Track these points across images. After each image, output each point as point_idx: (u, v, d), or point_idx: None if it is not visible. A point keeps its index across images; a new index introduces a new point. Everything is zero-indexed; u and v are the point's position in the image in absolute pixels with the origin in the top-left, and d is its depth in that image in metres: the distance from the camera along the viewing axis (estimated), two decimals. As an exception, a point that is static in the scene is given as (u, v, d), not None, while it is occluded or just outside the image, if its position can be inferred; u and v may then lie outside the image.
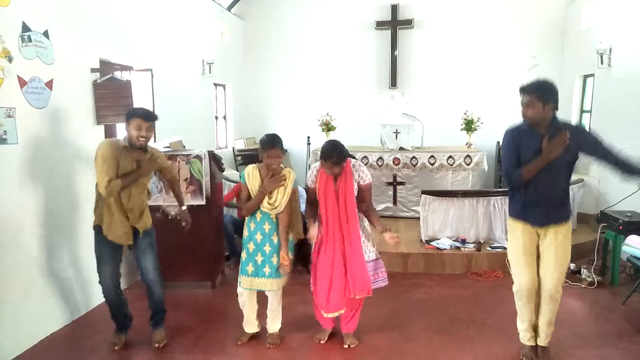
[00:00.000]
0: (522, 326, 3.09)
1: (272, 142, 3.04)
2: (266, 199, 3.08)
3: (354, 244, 3.11)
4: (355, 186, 3.10)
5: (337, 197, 3.08)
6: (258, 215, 3.16)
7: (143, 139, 2.95)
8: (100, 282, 3.18)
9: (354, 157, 3.21)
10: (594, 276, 4.40)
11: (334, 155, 2.95)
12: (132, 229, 3.10)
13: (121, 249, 3.19)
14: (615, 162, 2.70)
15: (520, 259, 2.97)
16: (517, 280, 3.02)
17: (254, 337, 3.41)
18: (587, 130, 2.78)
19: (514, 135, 2.84)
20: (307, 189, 3.28)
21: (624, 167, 2.68)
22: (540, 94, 2.71)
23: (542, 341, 3.07)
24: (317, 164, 3.16)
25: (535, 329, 3.08)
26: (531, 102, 2.72)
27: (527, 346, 3.09)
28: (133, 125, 2.93)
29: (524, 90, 2.76)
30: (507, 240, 3.16)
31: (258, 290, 3.27)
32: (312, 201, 3.22)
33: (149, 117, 2.96)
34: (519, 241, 2.97)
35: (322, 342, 3.35)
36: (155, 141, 5.20)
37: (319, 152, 3.08)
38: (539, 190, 2.82)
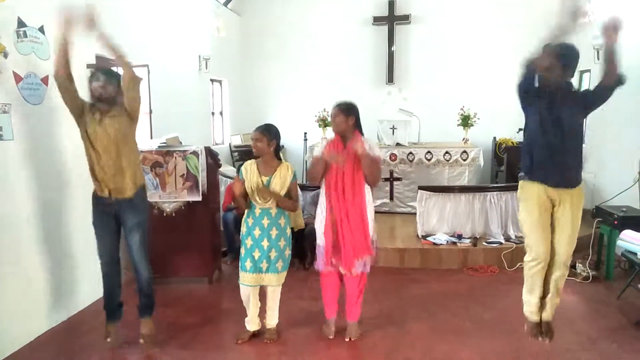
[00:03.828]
0: (532, 299, 2.97)
1: (258, 127, 3.18)
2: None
3: (358, 209, 3.14)
4: None
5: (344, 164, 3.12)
6: (257, 210, 3.17)
7: (99, 89, 3.02)
8: (98, 254, 3.16)
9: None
10: (589, 271, 4.43)
11: (346, 103, 3.18)
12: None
13: (117, 220, 3.11)
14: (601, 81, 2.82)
15: (534, 224, 2.85)
16: (532, 249, 2.89)
17: (253, 334, 3.39)
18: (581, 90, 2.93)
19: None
20: (312, 159, 3.35)
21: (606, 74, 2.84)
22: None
23: (548, 315, 2.99)
24: (329, 139, 3.29)
25: (541, 302, 2.99)
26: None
27: (533, 322, 3.01)
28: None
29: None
30: (518, 210, 3.05)
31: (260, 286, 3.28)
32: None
33: (103, 71, 3.10)
34: (533, 204, 2.85)
35: (331, 337, 3.33)
36: (151, 137, 5.21)
37: (315, 148, 3.10)
38: (553, 148, 2.76)
